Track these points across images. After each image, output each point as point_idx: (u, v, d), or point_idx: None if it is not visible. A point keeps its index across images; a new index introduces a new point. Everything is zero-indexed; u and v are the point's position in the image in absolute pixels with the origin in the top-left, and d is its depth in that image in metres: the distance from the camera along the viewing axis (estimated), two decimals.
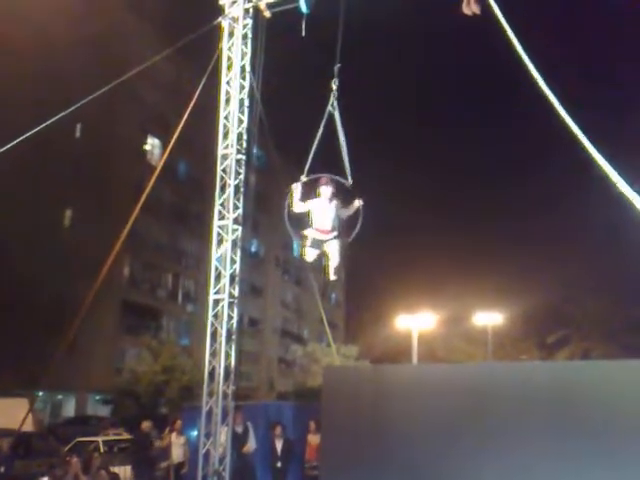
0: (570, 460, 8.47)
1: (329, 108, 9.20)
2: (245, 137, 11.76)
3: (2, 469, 12.72)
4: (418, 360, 28.84)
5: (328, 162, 9.22)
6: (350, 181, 8.83)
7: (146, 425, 13.72)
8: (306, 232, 8.76)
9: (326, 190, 8.74)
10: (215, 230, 11.46)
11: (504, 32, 8.73)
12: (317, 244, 8.70)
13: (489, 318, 33.57)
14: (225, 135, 11.71)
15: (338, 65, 9.49)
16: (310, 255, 8.76)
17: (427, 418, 9.41)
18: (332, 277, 8.81)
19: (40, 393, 28.11)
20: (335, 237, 8.74)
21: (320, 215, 8.73)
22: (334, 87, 9.39)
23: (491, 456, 8.91)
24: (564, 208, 46.01)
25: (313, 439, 12.86)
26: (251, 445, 12.60)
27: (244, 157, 11.72)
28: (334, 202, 8.76)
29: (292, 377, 46.72)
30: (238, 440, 12.03)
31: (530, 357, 35.49)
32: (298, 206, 8.81)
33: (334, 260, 8.72)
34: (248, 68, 11.82)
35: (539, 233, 52.70)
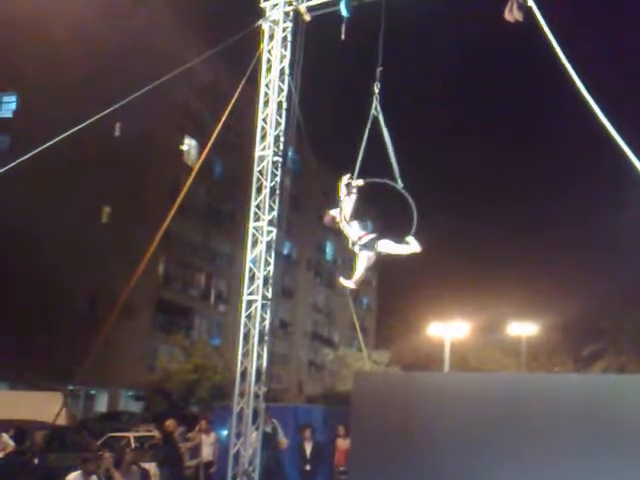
0: (604, 476, 8.29)
1: (372, 111, 9.16)
2: (282, 139, 11.81)
3: (36, 461, 12.93)
4: (450, 369, 28.57)
5: (367, 165, 9.16)
6: (401, 184, 8.78)
7: (170, 423, 13.73)
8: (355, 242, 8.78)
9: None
10: (250, 231, 11.52)
11: (547, 39, 8.65)
12: (369, 245, 8.71)
13: (523, 328, 33.13)
14: (262, 137, 11.77)
15: (380, 68, 9.44)
16: (363, 258, 8.73)
17: (457, 427, 9.31)
18: (418, 248, 8.59)
19: (72, 387, 28.52)
20: (379, 237, 8.75)
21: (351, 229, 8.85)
22: (376, 90, 9.33)
23: (521, 469, 8.78)
24: (601, 219, 45.22)
25: (342, 444, 12.84)
26: (284, 440, 12.64)
27: (281, 159, 11.77)
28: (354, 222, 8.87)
29: (321, 381, 46.70)
30: (268, 440, 12.06)
31: (564, 369, 34.92)
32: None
33: (402, 249, 8.65)
34: (287, 71, 11.88)
35: (576, 244, 51.88)
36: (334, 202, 9.10)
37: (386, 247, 8.71)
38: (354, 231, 8.83)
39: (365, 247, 8.72)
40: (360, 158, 8.98)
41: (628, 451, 8.24)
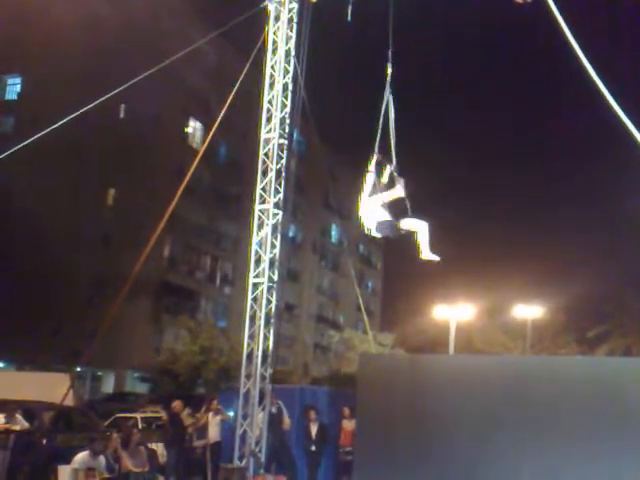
0: (610, 458, 8.33)
1: (387, 92, 9.06)
2: (288, 121, 11.77)
3: (44, 441, 13.05)
4: (455, 351, 28.62)
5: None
6: (394, 163, 8.67)
7: (177, 404, 13.82)
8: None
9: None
10: (256, 214, 11.52)
11: (555, 21, 8.56)
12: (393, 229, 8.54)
13: (529, 311, 33.15)
14: (268, 119, 11.73)
15: (391, 49, 9.36)
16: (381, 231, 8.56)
17: (463, 409, 9.35)
18: (431, 256, 8.49)
19: (79, 369, 28.74)
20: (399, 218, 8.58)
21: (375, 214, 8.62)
22: (389, 72, 9.25)
23: (528, 451, 8.81)
24: (608, 201, 45.05)
25: (348, 425, 12.92)
26: (287, 420, 12.74)
27: (286, 142, 11.73)
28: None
29: (327, 363, 46.87)
30: (273, 420, 12.14)
31: (569, 352, 34.94)
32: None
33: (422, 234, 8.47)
34: (293, 52, 11.80)
35: (582, 226, 51.77)
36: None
37: (410, 224, 8.51)
38: (377, 216, 8.52)
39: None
40: (378, 138, 8.85)
41: (633, 433, 8.26)
